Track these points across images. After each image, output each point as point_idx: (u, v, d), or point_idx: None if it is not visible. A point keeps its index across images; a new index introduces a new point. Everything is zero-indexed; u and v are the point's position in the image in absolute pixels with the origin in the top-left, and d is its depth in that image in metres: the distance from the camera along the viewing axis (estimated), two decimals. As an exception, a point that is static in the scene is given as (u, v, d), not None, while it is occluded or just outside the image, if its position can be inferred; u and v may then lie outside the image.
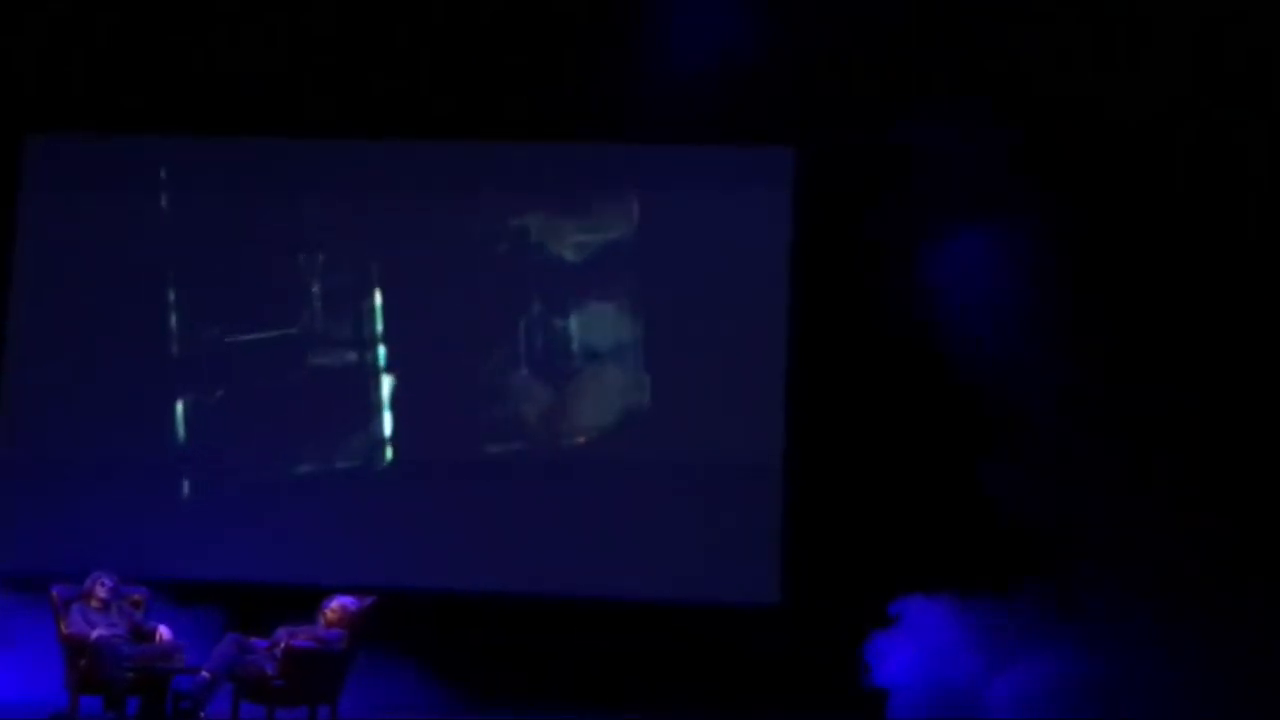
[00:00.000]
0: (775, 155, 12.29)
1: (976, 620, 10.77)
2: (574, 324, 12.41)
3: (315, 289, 12.60)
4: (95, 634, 10.58)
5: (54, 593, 10.89)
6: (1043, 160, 11.05)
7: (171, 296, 12.67)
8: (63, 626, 10.72)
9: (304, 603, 10.91)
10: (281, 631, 10.72)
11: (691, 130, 11.97)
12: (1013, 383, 10.90)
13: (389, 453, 12.46)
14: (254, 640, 10.67)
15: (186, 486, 12.56)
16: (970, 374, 11.06)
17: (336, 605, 10.82)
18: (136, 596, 11.01)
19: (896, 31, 11.45)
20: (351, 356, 12.54)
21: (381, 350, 12.49)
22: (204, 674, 10.51)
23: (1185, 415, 10.91)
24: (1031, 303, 11.02)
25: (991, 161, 11.03)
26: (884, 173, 11.39)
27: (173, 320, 12.65)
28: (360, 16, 12.34)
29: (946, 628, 10.79)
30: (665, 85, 11.58)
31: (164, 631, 10.73)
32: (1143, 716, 10.40)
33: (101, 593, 10.80)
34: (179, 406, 12.62)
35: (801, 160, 12.19)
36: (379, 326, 12.50)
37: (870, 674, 10.90)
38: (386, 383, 12.45)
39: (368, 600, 10.88)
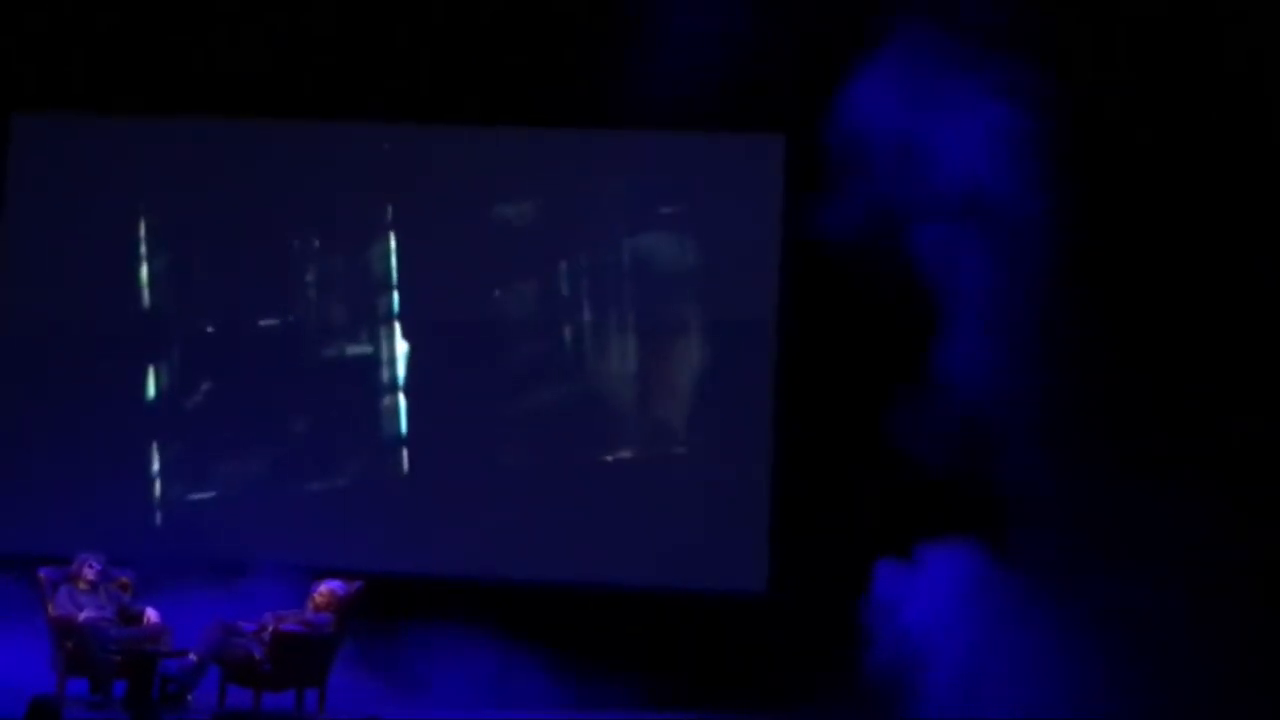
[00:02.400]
0: (766, 142, 12.26)
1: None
2: (564, 311, 12.39)
3: (321, 271, 12.54)
4: (82, 616, 10.57)
5: (41, 575, 10.88)
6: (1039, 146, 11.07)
7: (166, 278, 12.60)
8: (50, 608, 10.71)
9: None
10: (269, 615, 10.72)
11: (684, 118, 11.92)
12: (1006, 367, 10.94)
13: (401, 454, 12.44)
14: (242, 624, 10.67)
15: (190, 471, 12.48)
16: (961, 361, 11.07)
17: (325, 589, 10.83)
18: (124, 579, 11.00)
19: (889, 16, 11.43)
20: (359, 342, 12.49)
21: (393, 331, 12.46)
22: (191, 657, 10.53)
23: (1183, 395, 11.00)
24: (1025, 297, 11.04)
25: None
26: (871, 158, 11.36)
27: (166, 303, 12.58)
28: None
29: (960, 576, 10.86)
30: (659, 73, 11.56)
31: (151, 614, 10.72)
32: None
33: (89, 575, 10.79)
34: (175, 390, 12.55)
35: (792, 147, 12.16)
36: (392, 299, 12.44)
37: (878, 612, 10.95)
38: (401, 369, 12.42)
39: (356, 584, 10.89)
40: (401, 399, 12.38)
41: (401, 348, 12.40)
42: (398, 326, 12.41)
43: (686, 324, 12.28)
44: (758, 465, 12.06)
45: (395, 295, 12.43)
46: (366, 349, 12.43)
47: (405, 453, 12.37)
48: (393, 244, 12.45)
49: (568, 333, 12.36)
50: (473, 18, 12.21)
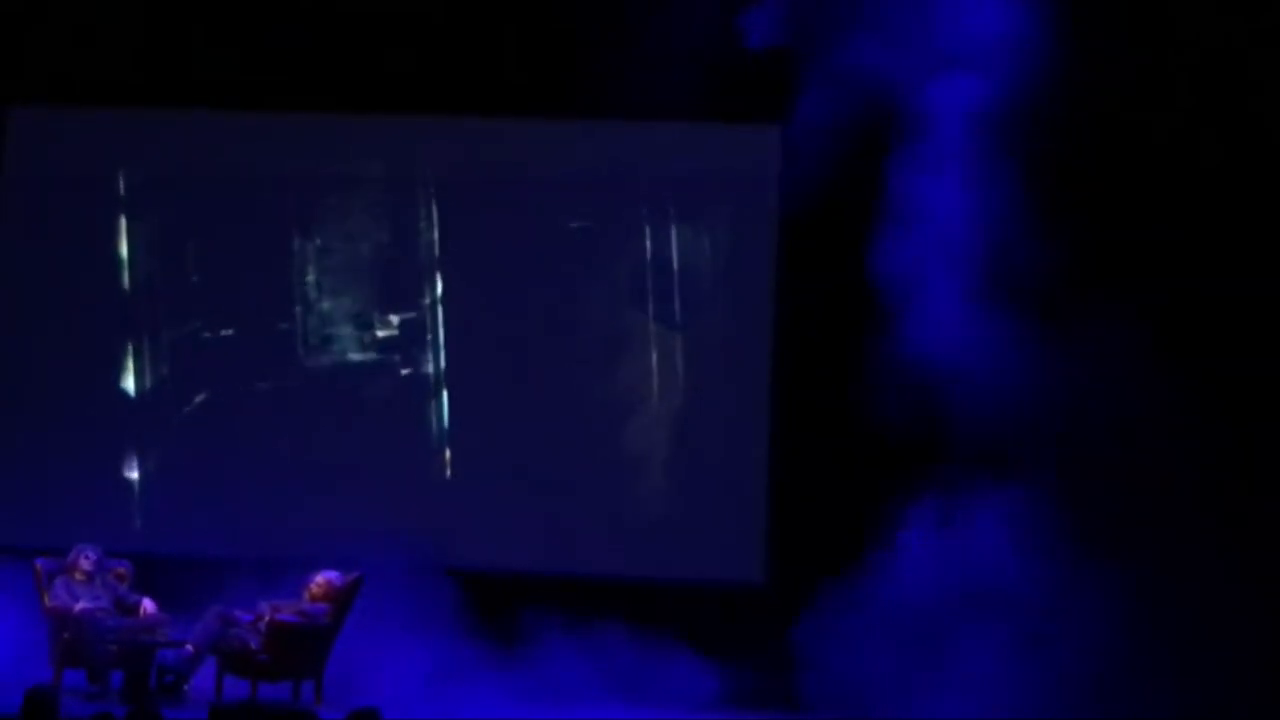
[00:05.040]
0: (761, 134, 12.26)
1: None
2: (562, 311, 12.40)
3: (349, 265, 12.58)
4: (79, 607, 10.58)
5: (37, 565, 10.89)
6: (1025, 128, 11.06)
7: (175, 274, 12.59)
8: (46, 599, 10.72)
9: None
10: (265, 605, 10.74)
11: (679, 108, 11.93)
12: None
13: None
14: (238, 614, 10.68)
15: (204, 464, 12.46)
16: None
17: (321, 579, 10.85)
18: (120, 570, 11.01)
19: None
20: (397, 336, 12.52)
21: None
22: (188, 647, 10.54)
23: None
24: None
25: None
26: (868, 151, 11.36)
27: (176, 299, 12.57)
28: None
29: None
30: (655, 62, 11.59)
31: (148, 605, 10.73)
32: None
33: (85, 565, 10.79)
34: (190, 388, 12.55)
35: (788, 138, 12.17)
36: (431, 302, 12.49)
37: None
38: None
39: (353, 575, 10.90)
40: (445, 394, 12.39)
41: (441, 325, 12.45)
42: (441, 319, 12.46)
43: (686, 316, 12.31)
44: (756, 453, 12.06)
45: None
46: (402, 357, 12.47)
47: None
48: (423, 234, 12.49)
49: (569, 324, 12.38)
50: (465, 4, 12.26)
